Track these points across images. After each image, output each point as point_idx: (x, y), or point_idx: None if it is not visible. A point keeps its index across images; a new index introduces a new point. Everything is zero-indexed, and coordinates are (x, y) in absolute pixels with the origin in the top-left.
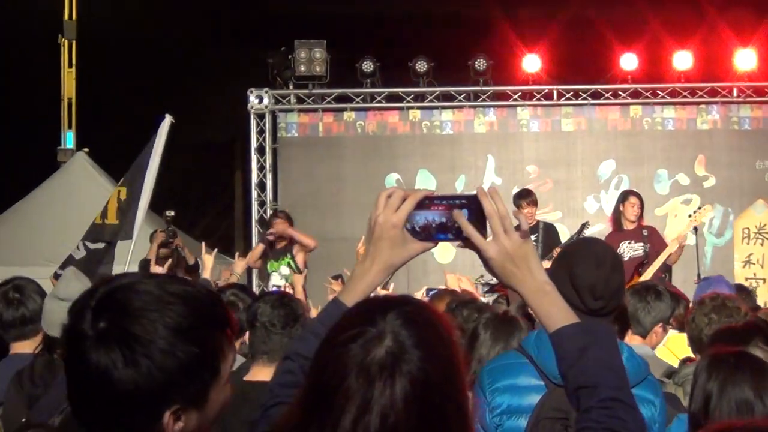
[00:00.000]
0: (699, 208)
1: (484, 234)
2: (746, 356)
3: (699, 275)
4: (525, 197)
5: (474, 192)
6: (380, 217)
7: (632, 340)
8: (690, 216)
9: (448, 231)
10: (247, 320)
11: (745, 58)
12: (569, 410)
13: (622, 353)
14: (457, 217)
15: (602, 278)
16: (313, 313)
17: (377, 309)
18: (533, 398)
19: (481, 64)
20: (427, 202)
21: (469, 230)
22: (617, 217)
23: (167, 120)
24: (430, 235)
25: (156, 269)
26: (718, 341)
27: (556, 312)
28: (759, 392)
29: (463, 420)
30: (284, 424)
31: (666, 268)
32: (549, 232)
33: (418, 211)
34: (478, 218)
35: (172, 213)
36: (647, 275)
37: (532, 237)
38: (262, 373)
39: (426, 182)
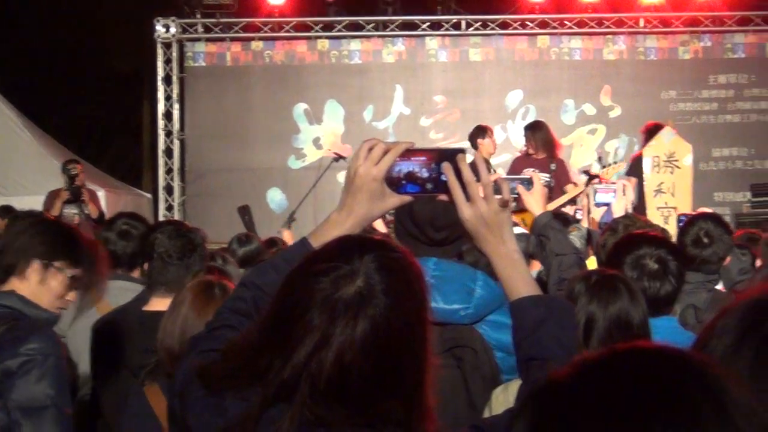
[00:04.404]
0: (604, 166)
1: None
2: (617, 277)
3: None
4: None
5: (457, 146)
6: (360, 169)
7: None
8: (601, 169)
9: (428, 183)
10: (144, 251)
11: None
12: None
13: (477, 281)
14: (446, 170)
15: (438, 209)
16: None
17: (356, 248)
18: None
19: None
20: (407, 153)
21: (454, 186)
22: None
23: None
24: (409, 186)
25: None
26: (614, 251)
27: (519, 281)
28: (634, 307)
29: (419, 374)
30: (239, 345)
31: (571, 202)
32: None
33: (398, 162)
34: (458, 175)
35: (76, 169)
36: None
37: None
38: (160, 303)
39: (334, 112)
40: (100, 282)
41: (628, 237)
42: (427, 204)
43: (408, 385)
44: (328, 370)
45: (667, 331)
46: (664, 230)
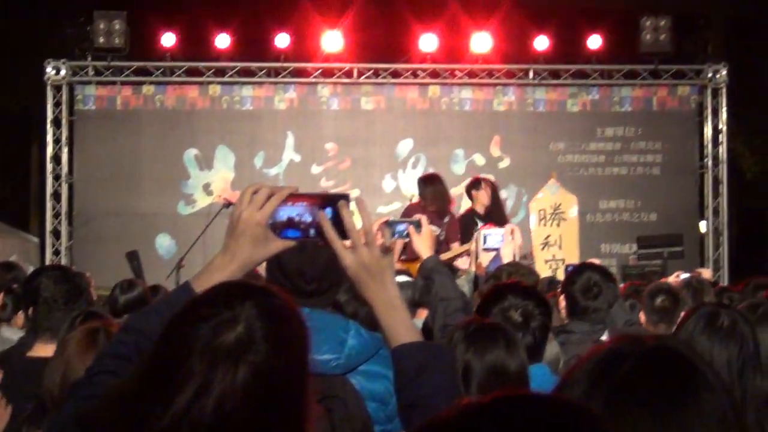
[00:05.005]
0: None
1: (343, 236)
2: (496, 326)
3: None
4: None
5: (341, 191)
6: (244, 213)
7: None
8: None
9: (310, 228)
10: (28, 295)
11: (541, 41)
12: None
13: (349, 331)
14: (321, 219)
15: (307, 260)
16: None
17: (237, 294)
18: None
19: (282, 40)
20: (291, 198)
21: (331, 234)
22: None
23: None
24: (291, 232)
25: None
26: (485, 298)
27: (401, 327)
28: (510, 356)
29: (300, 422)
30: (119, 391)
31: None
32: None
33: (282, 206)
34: (340, 220)
35: None
36: None
37: None
38: (45, 349)
39: (225, 158)
40: None
41: (495, 288)
42: (296, 255)
43: None
44: (209, 417)
45: (540, 378)
46: (553, 278)
